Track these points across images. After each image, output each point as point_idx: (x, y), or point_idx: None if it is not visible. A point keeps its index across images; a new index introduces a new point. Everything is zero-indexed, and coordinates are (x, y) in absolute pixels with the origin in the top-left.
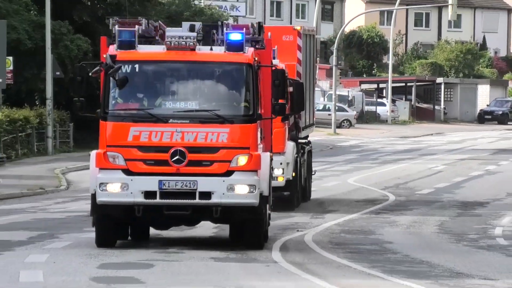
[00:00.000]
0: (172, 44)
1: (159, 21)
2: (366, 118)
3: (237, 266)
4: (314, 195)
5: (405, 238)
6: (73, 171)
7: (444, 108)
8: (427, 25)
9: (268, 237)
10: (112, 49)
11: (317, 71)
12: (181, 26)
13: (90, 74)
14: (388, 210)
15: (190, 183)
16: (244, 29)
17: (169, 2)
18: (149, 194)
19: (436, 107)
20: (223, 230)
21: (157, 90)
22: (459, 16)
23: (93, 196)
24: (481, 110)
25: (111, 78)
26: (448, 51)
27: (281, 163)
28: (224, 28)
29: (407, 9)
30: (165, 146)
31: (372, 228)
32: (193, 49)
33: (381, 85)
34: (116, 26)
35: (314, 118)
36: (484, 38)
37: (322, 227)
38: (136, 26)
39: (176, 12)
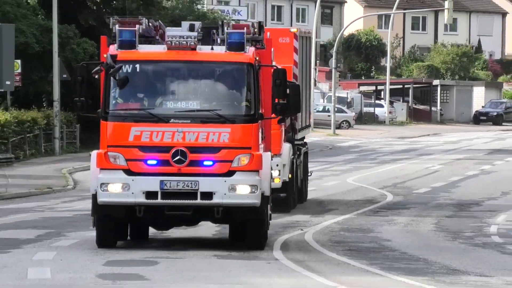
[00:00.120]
0: (173, 44)
1: (159, 21)
2: (365, 119)
3: (239, 264)
4: (314, 194)
5: (403, 236)
6: (80, 171)
7: (441, 110)
8: (423, 28)
9: (267, 237)
10: (113, 49)
11: (317, 74)
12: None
13: (91, 73)
14: (386, 209)
15: (191, 183)
16: (245, 28)
17: (172, 6)
18: (150, 195)
19: (433, 108)
20: (225, 228)
21: (158, 90)
22: (455, 20)
23: (94, 197)
24: (476, 111)
25: (111, 78)
26: (444, 54)
27: (277, 165)
28: (225, 28)
29: (404, 13)
30: (166, 146)
31: (371, 226)
32: (194, 49)
33: (379, 87)
34: (117, 26)
35: (311, 120)
36: (479, 41)
37: (322, 226)
38: (137, 26)
39: (180, 17)
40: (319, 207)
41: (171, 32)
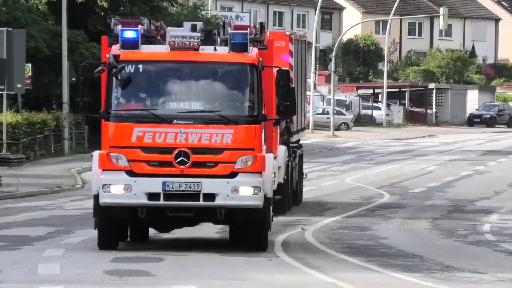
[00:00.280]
0: (176, 44)
1: (160, 21)
2: (363, 121)
3: (242, 260)
4: (313, 193)
5: (399, 234)
6: (88, 171)
7: (436, 112)
8: (419, 34)
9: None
10: (115, 49)
11: (316, 77)
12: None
13: (94, 73)
14: (383, 208)
15: (194, 184)
16: (248, 29)
17: (177, 12)
18: (152, 196)
19: (428, 111)
20: (228, 228)
21: (161, 91)
22: (449, 25)
23: (96, 197)
24: (470, 114)
25: (114, 78)
26: (439, 59)
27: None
28: (228, 28)
29: (401, 19)
30: (169, 147)
31: (368, 224)
32: (197, 49)
33: (376, 90)
34: (119, 26)
35: (306, 123)
36: (473, 46)
37: (321, 224)
38: (139, 26)
39: None
40: (319, 206)
41: (174, 32)
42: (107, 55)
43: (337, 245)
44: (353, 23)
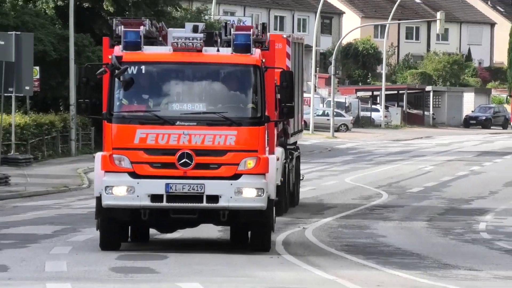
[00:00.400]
0: (179, 45)
1: (162, 22)
2: (362, 122)
3: (244, 258)
4: (314, 193)
5: (397, 233)
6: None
7: (433, 114)
8: (417, 38)
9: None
10: (118, 50)
11: (317, 80)
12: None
13: (96, 75)
14: (381, 207)
15: (197, 186)
16: (251, 30)
17: (181, 17)
18: (155, 198)
19: (426, 113)
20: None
21: (164, 92)
22: (446, 30)
23: (98, 199)
24: (466, 115)
25: (116, 79)
26: (436, 62)
27: None
28: (231, 30)
29: (399, 24)
30: (172, 148)
31: (367, 223)
32: (200, 50)
33: (375, 93)
34: (121, 27)
35: (302, 125)
36: (469, 50)
37: (321, 222)
38: (141, 27)
39: None
40: (319, 205)
41: (176, 33)
42: (110, 56)
43: (336, 243)
44: (352, 27)
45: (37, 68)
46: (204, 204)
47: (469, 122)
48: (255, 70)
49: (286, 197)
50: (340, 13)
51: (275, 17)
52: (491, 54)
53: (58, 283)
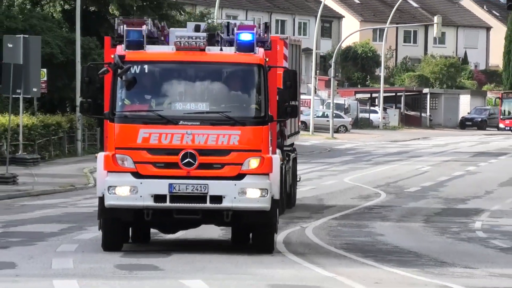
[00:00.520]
0: (182, 44)
1: (164, 22)
2: (361, 124)
3: (245, 256)
4: (314, 192)
5: (395, 231)
6: None
7: (430, 116)
8: (414, 41)
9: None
10: (120, 49)
11: (317, 82)
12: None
13: (98, 74)
14: (379, 206)
15: (201, 186)
16: (255, 29)
17: (185, 20)
18: (159, 198)
19: (423, 114)
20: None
21: (167, 91)
22: (443, 33)
23: (101, 199)
24: (462, 117)
25: (119, 79)
26: (433, 65)
27: None
28: (234, 29)
29: (397, 27)
30: (175, 148)
31: (366, 222)
32: (203, 50)
33: (374, 95)
34: (123, 26)
35: (299, 126)
36: (465, 53)
37: (321, 221)
38: (143, 26)
39: None
40: (319, 204)
41: (178, 33)
42: (112, 56)
43: (336, 242)
44: (351, 31)
45: (45, 70)
46: (208, 204)
47: (465, 124)
48: (259, 70)
49: (283, 198)
50: (339, 17)
51: (276, 21)
52: (486, 57)
53: (65, 280)
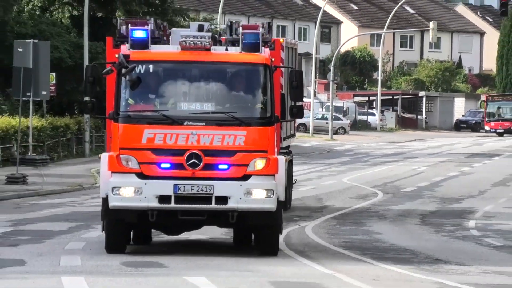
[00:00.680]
0: (187, 44)
1: (166, 22)
2: (359, 126)
3: (247, 254)
4: (313, 192)
5: (392, 230)
6: None
7: (426, 118)
8: (411, 46)
9: None
10: (125, 49)
11: (316, 86)
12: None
13: (102, 74)
14: (377, 205)
15: (206, 187)
16: (260, 29)
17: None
18: (163, 199)
19: (419, 117)
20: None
21: (172, 91)
22: (438, 39)
23: (105, 200)
24: (457, 119)
25: (123, 79)
26: (429, 69)
27: None
28: (239, 29)
29: (394, 33)
30: (180, 149)
31: (363, 220)
32: (208, 49)
33: (371, 98)
34: (127, 26)
35: (295, 129)
36: (460, 57)
37: (320, 220)
38: (147, 26)
39: None
40: (318, 204)
41: (184, 32)
42: (117, 55)
43: (335, 240)
44: (350, 36)
45: (54, 74)
46: (213, 205)
47: (459, 126)
48: (264, 69)
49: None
50: (338, 23)
51: (277, 26)
52: (480, 62)
53: (73, 277)
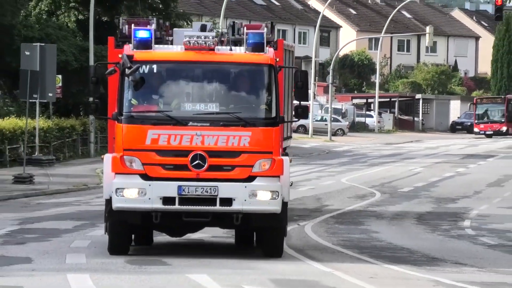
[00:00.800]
0: (191, 44)
1: (168, 22)
2: (357, 127)
3: (248, 252)
4: (313, 192)
5: (389, 229)
6: None
7: (422, 120)
8: (408, 50)
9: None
10: (128, 49)
11: (316, 88)
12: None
13: (105, 74)
14: (374, 205)
15: (210, 189)
16: (265, 29)
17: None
18: (167, 200)
19: (416, 118)
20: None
21: (176, 92)
22: (435, 43)
23: (108, 202)
24: (453, 121)
25: (127, 79)
26: (425, 72)
27: None
28: (243, 29)
29: (391, 37)
30: (184, 150)
31: (361, 220)
32: (212, 49)
33: (369, 100)
34: (131, 25)
35: (292, 131)
36: (455, 61)
37: (319, 219)
38: (151, 26)
39: None
40: (317, 203)
41: (188, 32)
42: (120, 56)
43: (333, 239)
44: (348, 40)
45: (60, 76)
46: (218, 207)
47: (455, 128)
48: (269, 70)
49: None
50: (337, 27)
51: (278, 30)
52: (475, 65)
53: (78, 274)
